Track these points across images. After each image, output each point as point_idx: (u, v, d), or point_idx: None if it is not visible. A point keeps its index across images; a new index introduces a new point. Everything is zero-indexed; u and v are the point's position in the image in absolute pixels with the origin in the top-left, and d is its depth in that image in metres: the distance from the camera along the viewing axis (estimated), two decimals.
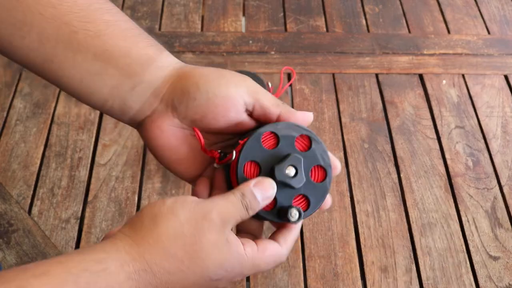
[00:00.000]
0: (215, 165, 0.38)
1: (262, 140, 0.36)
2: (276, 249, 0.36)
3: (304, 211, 0.36)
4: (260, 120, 0.38)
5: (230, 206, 0.34)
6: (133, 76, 0.38)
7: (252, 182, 0.35)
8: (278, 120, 0.38)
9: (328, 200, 0.38)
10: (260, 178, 0.35)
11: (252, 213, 0.34)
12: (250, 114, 0.38)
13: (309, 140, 0.37)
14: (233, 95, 0.37)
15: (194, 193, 0.39)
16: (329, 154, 0.37)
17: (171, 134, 0.38)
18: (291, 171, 0.36)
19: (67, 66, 0.37)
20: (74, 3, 0.36)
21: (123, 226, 0.34)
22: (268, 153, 0.36)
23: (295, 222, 0.35)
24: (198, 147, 0.39)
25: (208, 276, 0.33)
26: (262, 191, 0.35)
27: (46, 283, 0.29)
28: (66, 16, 0.36)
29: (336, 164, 0.38)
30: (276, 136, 0.36)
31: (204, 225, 0.33)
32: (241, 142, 0.37)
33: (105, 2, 0.38)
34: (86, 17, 0.37)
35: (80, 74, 0.37)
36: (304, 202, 0.37)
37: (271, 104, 0.37)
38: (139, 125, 0.41)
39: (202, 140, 0.37)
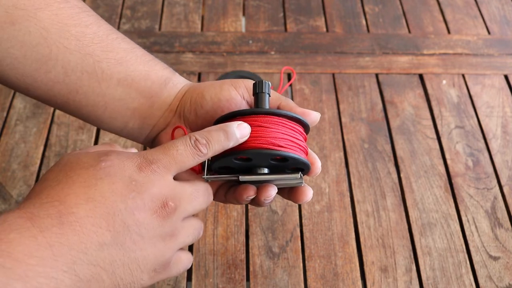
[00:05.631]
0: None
1: None
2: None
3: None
4: None
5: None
6: (153, 96, 0.41)
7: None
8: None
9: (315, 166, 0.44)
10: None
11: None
12: None
13: None
14: (235, 96, 0.40)
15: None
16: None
17: None
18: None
19: (92, 94, 0.39)
20: (94, 34, 0.38)
21: None
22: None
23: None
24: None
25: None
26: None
27: None
28: (89, 47, 0.38)
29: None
30: None
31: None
32: None
33: (118, 32, 0.41)
34: (107, 46, 0.39)
35: (104, 101, 0.39)
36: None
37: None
38: (153, 141, 0.43)
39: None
